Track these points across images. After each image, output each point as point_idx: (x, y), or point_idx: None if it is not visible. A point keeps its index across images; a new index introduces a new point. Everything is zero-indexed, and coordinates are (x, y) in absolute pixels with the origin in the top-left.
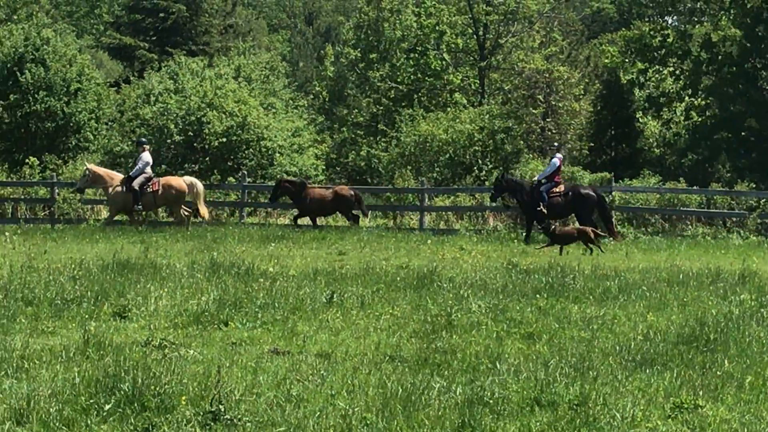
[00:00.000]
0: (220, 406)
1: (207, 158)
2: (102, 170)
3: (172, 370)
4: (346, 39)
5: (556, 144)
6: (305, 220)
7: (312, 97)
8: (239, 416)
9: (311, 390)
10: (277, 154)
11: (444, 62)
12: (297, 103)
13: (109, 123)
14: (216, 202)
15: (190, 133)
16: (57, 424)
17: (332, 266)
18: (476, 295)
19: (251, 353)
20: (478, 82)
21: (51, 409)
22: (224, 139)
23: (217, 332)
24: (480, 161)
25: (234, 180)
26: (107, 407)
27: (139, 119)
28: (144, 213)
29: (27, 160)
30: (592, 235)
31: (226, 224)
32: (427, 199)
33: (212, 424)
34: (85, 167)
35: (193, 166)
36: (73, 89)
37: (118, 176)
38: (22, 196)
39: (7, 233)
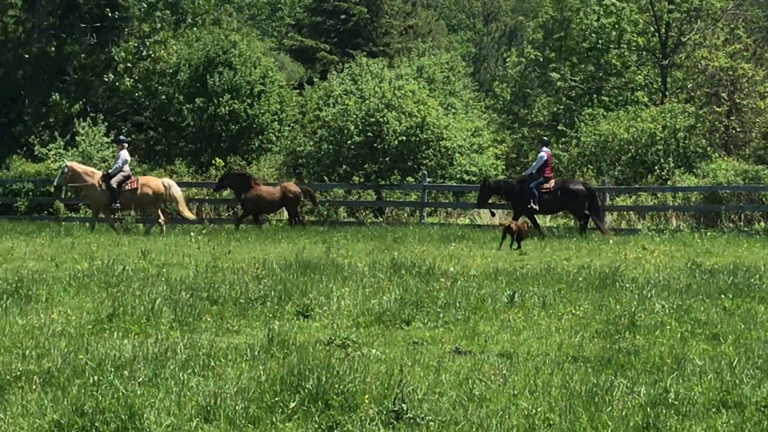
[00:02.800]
0: (403, 405)
1: (387, 158)
2: (81, 167)
3: (355, 369)
4: (531, 39)
5: (544, 138)
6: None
7: (493, 96)
8: (422, 415)
9: (493, 390)
10: (457, 154)
11: (625, 60)
12: (477, 103)
13: (291, 124)
14: (396, 202)
15: (370, 134)
16: (243, 422)
17: (513, 266)
18: (659, 295)
19: (433, 352)
20: (660, 80)
21: (237, 407)
22: (404, 139)
23: (399, 331)
24: (662, 160)
25: (414, 180)
26: (292, 405)
27: (319, 120)
28: (120, 212)
29: (212, 162)
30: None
31: (407, 224)
32: (608, 199)
33: (395, 422)
34: (63, 164)
35: (373, 166)
36: (257, 92)
37: (97, 174)
38: (207, 197)
39: (192, 233)
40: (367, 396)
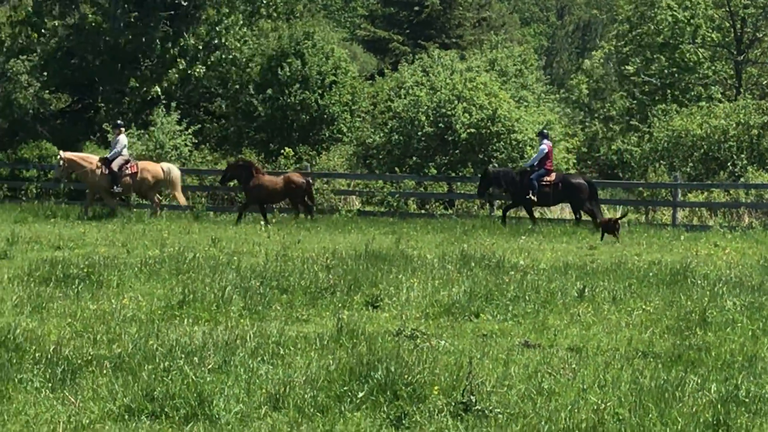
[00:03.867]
0: (472, 397)
1: (457, 150)
2: (75, 155)
3: (424, 360)
4: (606, 33)
5: (544, 131)
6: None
7: (567, 90)
8: (490, 407)
9: (562, 383)
10: (528, 147)
11: (699, 56)
12: (549, 96)
13: (363, 115)
14: (467, 194)
15: (441, 125)
16: (312, 410)
17: (583, 260)
18: (731, 292)
19: (502, 345)
20: (734, 76)
21: (306, 395)
22: (474, 131)
23: (468, 324)
24: (735, 157)
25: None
26: (360, 395)
27: (390, 111)
28: (119, 196)
29: (282, 151)
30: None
31: (477, 216)
32: (680, 195)
33: (463, 414)
34: (57, 156)
35: (444, 158)
36: (328, 82)
37: (94, 159)
38: None
39: (261, 222)
40: (435, 387)
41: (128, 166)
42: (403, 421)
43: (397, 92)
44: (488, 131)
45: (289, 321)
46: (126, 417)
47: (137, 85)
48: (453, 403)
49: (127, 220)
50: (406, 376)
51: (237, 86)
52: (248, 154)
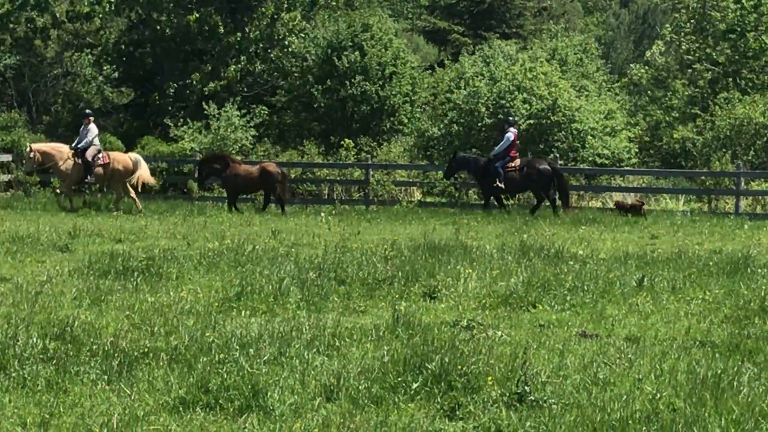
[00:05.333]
0: (526, 388)
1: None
2: (47, 146)
3: (479, 351)
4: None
5: (510, 119)
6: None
7: (629, 79)
8: (545, 398)
9: (618, 373)
10: (589, 137)
11: (763, 44)
12: (610, 86)
13: (423, 106)
14: None
15: (501, 116)
16: (365, 401)
17: (643, 250)
18: None
19: (559, 336)
20: None
21: (360, 386)
22: (533, 122)
23: (525, 314)
24: None
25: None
26: (415, 386)
27: (450, 102)
28: (91, 188)
29: (343, 143)
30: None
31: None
32: (743, 183)
33: (518, 404)
34: (27, 148)
35: None
36: (388, 73)
37: (65, 149)
38: (338, 178)
39: (322, 213)
40: (490, 378)
41: (101, 156)
42: (457, 412)
43: (457, 83)
44: (548, 121)
45: (346, 312)
46: (180, 409)
47: (198, 79)
48: (507, 394)
49: (189, 213)
50: (460, 367)
51: (297, 79)
52: (309, 146)
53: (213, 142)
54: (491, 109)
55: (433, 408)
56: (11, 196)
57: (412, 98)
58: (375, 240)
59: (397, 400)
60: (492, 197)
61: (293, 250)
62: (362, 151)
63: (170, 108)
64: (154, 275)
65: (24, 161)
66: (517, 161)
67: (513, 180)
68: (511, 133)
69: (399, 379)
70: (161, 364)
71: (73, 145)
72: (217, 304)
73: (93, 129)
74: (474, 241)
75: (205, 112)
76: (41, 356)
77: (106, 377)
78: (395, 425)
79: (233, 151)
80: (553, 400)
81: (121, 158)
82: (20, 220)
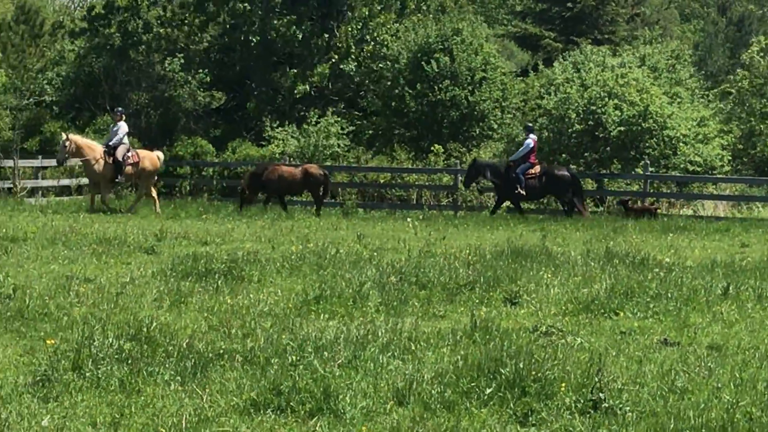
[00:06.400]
0: (601, 395)
1: (608, 147)
2: (83, 141)
3: (555, 357)
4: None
5: (529, 125)
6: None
7: (725, 85)
8: (620, 405)
9: (697, 382)
10: (681, 144)
11: None
12: (704, 93)
13: (513, 112)
14: (617, 191)
15: (591, 123)
16: (437, 406)
17: (732, 258)
18: None
19: (639, 343)
20: None
21: (432, 391)
22: (624, 128)
23: (607, 321)
24: None
25: (636, 170)
26: (488, 391)
27: (541, 108)
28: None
29: (432, 148)
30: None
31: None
32: None
33: (592, 412)
34: (63, 138)
35: (594, 155)
36: (478, 78)
37: (98, 147)
38: (427, 183)
39: (409, 219)
40: (564, 384)
41: (130, 155)
42: (530, 418)
43: (547, 89)
44: (639, 128)
45: (426, 317)
46: (251, 411)
47: (288, 82)
48: (582, 401)
49: (277, 216)
50: (535, 373)
51: (388, 82)
52: (399, 152)
53: (303, 146)
54: (582, 116)
55: (506, 414)
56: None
57: (503, 104)
58: (460, 245)
59: (469, 405)
60: (512, 203)
61: (376, 254)
62: (451, 157)
63: (261, 112)
64: (235, 278)
65: (58, 150)
66: (537, 168)
67: (533, 187)
68: (531, 140)
69: (472, 384)
70: (235, 365)
71: (104, 143)
72: (296, 307)
73: (123, 127)
74: (559, 248)
75: (304, 115)
76: (116, 356)
77: (179, 378)
78: (466, 430)
79: (324, 157)
80: (628, 408)
81: (150, 156)
82: (109, 222)
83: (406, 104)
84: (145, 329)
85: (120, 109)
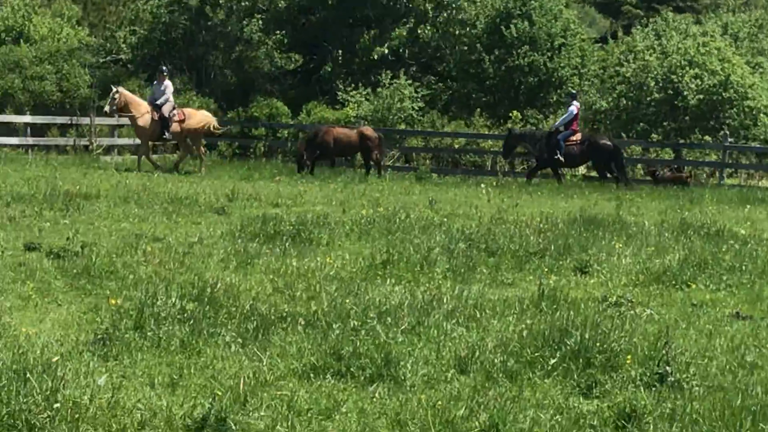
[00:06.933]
0: (668, 368)
1: (687, 117)
2: (131, 96)
3: (623, 328)
4: None
5: (573, 92)
6: None
7: None
8: (687, 379)
9: (767, 356)
10: (762, 114)
11: None
12: None
13: (591, 79)
14: (695, 161)
15: (670, 91)
16: (499, 375)
17: None
18: None
19: (710, 316)
20: None
21: (495, 360)
22: (704, 98)
23: (678, 293)
24: None
25: (714, 139)
26: (552, 362)
27: (620, 76)
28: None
29: (509, 114)
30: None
31: (705, 185)
32: None
33: (657, 385)
34: (114, 90)
35: (673, 124)
36: (557, 44)
37: (144, 104)
38: (499, 149)
39: (483, 185)
40: (630, 356)
41: (176, 113)
42: (594, 390)
43: (627, 56)
44: (720, 97)
45: (493, 284)
46: (311, 375)
47: (365, 44)
48: (648, 374)
49: (350, 179)
50: (600, 344)
51: (465, 47)
52: (476, 118)
53: (378, 110)
54: (661, 84)
55: (569, 385)
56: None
57: (581, 71)
58: (533, 213)
59: (532, 375)
60: (551, 169)
61: (447, 220)
62: (528, 123)
63: (337, 74)
64: (304, 240)
65: (108, 101)
66: (578, 135)
67: (573, 154)
68: (574, 107)
69: (536, 354)
70: (297, 329)
71: (149, 99)
72: (362, 271)
73: (169, 85)
74: (634, 217)
75: (378, 79)
76: (178, 317)
77: (240, 340)
78: (528, 401)
79: (398, 120)
80: (695, 382)
81: (196, 114)
82: (182, 182)
83: (484, 69)
84: (208, 290)
85: (164, 68)
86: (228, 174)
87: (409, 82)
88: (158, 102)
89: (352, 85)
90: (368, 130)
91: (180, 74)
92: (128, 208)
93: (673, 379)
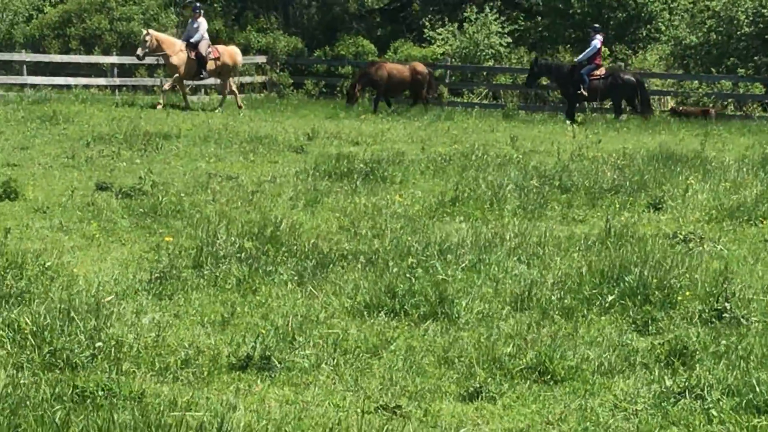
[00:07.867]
0: (726, 304)
1: None
2: (163, 36)
3: (684, 265)
4: None
5: (596, 26)
6: None
7: None
8: (746, 315)
9: None
10: None
11: None
12: None
13: (681, 14)
14: None
15: (761, 26)
16: (556, 312)
17: None
18: None
19: None
20: None
21: (552, 297)
22: None
23: (751, 228)
24: None
25: None
26: (610, 298)
27: (710, 10)
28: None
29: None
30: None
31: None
32: None
33: (715, 321)
34: (144, 33)
35: (764, 58)
36: None
37: (179, 43)
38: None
39: (569, 121)
40: (689, 293)
41: (210, 50)
42: (649, 327)
43: None
44: None
45: (564, 221)
46: (364, 313)
47: None
48: (707, 310)
49: (437, 117)
50: (660, 281)
51: None
52: (564, 53)
53: (465, 46)
54: (752, 18)
55: (625, 322)
56: (265, 98)
57: (671, 5)
58: (615, 149)
59: (587, 312)
60: (568, 103)
61: (524, 157)
62: (617, 59)
63: (424, 11)
64: (378, 178)
65: (140, 44)
66: (602, 70)
67: (596, 88)
68: (598, 41)
69: (594, 290)
70: (357, 267)
71: (183, 38)
72: (431, 208)
73: (203, 23)
74: (717, 153)
75: (465, 15)
76: (237, 255)
77: (297, 278)
78: (582, 338)
79: (486, 57)
80: (755, 319)
81: (230, 51)
82: (266, 121)
83: (571, 5)
84: (270, 228)
85: (198, 5)
86: (313, 113)
87: (496, 16)
88: (193, 40)
89: (440, 22)
90: (420, 66)
91: (266, 13)
92: (206, 147)
93: (731, 315)
